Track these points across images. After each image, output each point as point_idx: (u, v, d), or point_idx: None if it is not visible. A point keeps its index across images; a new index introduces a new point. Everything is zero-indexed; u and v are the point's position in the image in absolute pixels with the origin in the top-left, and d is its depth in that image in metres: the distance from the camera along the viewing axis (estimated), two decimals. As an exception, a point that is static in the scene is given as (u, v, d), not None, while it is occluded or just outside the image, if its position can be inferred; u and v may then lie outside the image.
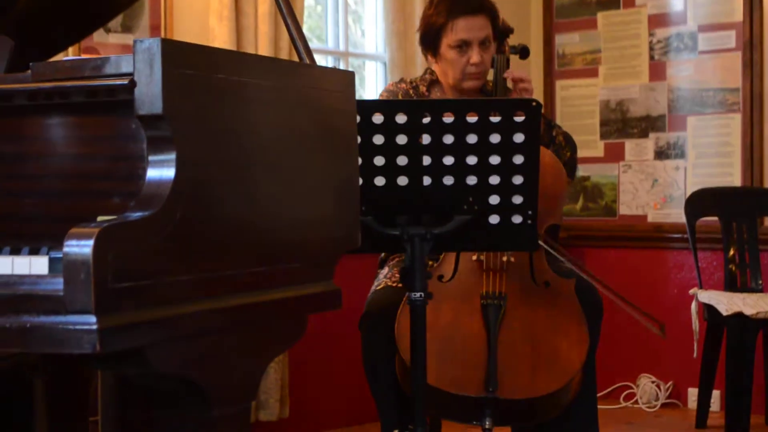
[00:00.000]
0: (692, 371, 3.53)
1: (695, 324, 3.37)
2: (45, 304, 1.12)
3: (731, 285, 3.49)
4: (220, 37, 3.03)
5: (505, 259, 2.22)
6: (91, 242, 1.09)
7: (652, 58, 3.96)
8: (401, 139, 1.85)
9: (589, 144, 4.06)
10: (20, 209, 1.32)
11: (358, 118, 1.70)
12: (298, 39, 1.65)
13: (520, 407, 2.09)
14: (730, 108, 3.79)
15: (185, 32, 3.03)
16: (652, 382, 3.84)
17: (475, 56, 2.39)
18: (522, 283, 2.20)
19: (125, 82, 1.20)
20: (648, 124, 3.98)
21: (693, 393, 3.67)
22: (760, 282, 3.50)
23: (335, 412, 3.44)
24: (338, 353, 3.33)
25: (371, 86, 3.81)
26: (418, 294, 1.83)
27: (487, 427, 2.05)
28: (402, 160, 1.86)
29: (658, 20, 3.94)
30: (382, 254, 2.49)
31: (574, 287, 2.23)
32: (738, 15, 3.76)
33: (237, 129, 1.30)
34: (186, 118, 1.21)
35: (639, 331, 3.91)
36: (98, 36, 2.81)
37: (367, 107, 1.83)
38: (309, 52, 1.65)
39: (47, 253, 1.18)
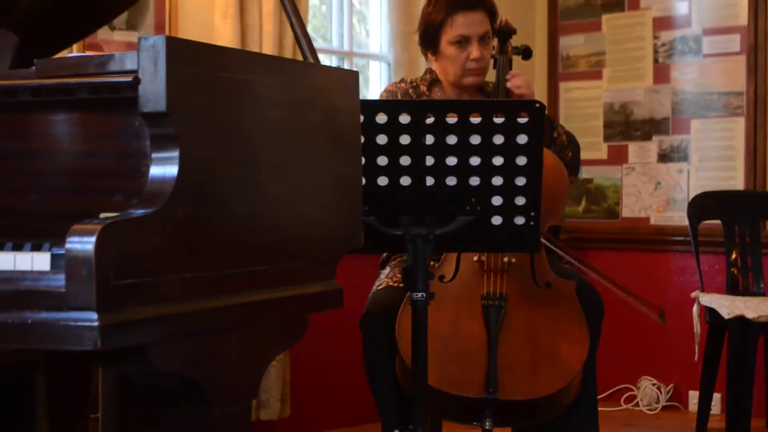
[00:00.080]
0: (693, 374, 3.53)
1: (696, 327, 3.37)
2: (47, 300, 1.12)
3: (733, 288, 3.49)
4: (225, 36, 3.03)
5: (506, 259, 2.22)
6: (93, 239, 1.09)
7: (656, 60, 3.96)
8: (404, 140, 1.84)
9: (593, 146, 4.05)
10: (23, 205, 1.32)
11: (362, 118, 1.70)
12: (302, 38, 1.65)
13: (520, 408, 2.09)
14: (733, 112, 3.78)
15: (190, 30, 3.03)
16: (653, 384, 3.83)
17: (474, 51, 2.40)
18: (523, 284, 2.20)
19: (129, 79, 1.19)
20: (651, 127, 3.98)
21: (694, 396, 3.66)
22: (762, 286, 3.50)
23: (336, 412, 3.44)
24: (339, 353, 3.33)
25: (375, 86, 3.81)
26: (419, 294, 1.83)
27: (487, 427, 2.04)
28: (405, 160, 1.85)
29: (663, 23, 3.93)
30: (384, 254, 2.49)
31: (575, 288, 2.22)
32: (743, 19, 3.76)
33: (241, 127, 1.30)
34: (190, 116, 1.21)
35: (640, 333, 3.91)
36: (103, 33, 2.81)
37: (371, 107, 1.83)
38: (313, 52, 1.65)
39: (50, 250, 1.18)
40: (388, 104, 1.89)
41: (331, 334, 3.17)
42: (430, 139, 1.84)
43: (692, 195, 3.73)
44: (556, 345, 2.14)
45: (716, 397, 3.53)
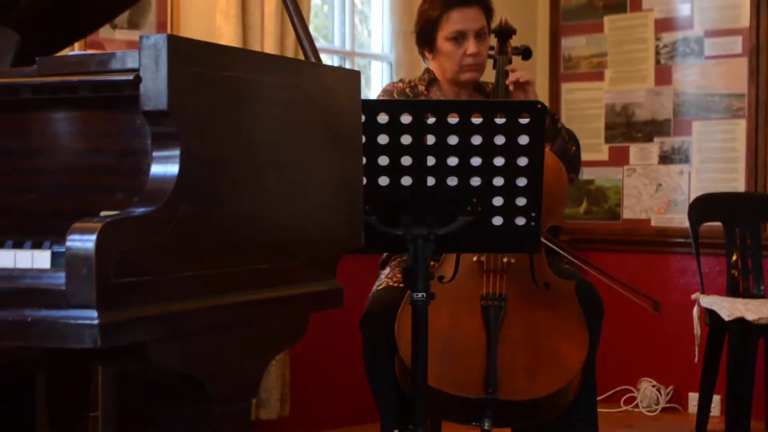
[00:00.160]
0: (693, 376, 3.53)
1: (697, 329, 3.36)
2: (47, 298, 1.12)
3: (733, 290, 3.48)
4: (227, 36, 3.03)
5: (505, 260, 2.22)
6: (93, 237, 1.09)
7: (658, 62, 3.95)
8: (406, 140, 1.84)
9: (594, 147, 4.05)
10: (24, 203, 1.32)
11: (363, 118, 1.70)
12: (304, 38, 1.65)
13: (519, 408, 2.09)
14: (735, 113, 3.78)
15: (192, 30, 3.03)
16: (653, 386, 3.83)
17: (471, 47, 2.40)
18: (522, 285, 2.20)
19: (131, 77, 1.19)
20: (653, 129, 3.98)
21: (693, 397, 3.66)
22: (762, 288, 3.49)
23: (335, 412, 3.44)
24: (339, 353, 3.33)
25: (377, 86, 3.81)
26: (420, 294, 1.83)
27: (486, 428, 2.04)
28: (406, 160, 1.85)
29: (665, 25, 3.93)
30: (384, 254, 2.49)
31: (574, 289, 2.22)
32: (744, 21, 3.75)
33: (242, 126, 1.30)
34: (191, 115, 1.21)
35: (640, 335, 3.91)
36: (104, 32, 2.81)
37: (372, 107, 1.83)
38: (315, 51, 1.64)
39: (50, 248, 1.18)
40: (390, 104, 1.89)
41: (331, 334, 3.17)
42: (431, 139, 1.84)
43: (693, 197, 3.73)
44: (556, 345, 2.14)
45: (716, 398, 3.53)
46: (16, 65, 1.45)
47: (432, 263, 2.22)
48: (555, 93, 4.19)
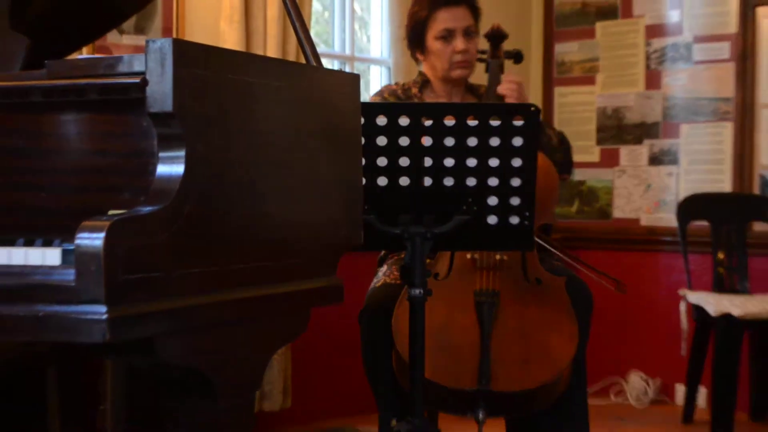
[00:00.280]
0: (680, 369, 3.53)
1: (684, 323, 3.37)
2: (57, 294, 1.12)
3: (719, 287, 3.49)
4: (230, 40, 3.03)
5: (498, 257, 2.22)
6: (102, 235, 1.09)
7: (648, 67, 3.95)
8: (403, 141, 1.84)
9: (586, 149, 4.05)
10: (34, 202, 1.32)
11: (363, 120, 1.70)
12: (305, 42, 1.65)
13: (512, 399, 2.09)
14: (722, 117, 3.78)
15: (196, 35, 3.02)
16: (642, 378, 3.83)
17: (460, 44, 2.41)
18: (514, 281, 2.20)
19: (137, 80, 1.19)
20: (643, 131, 3.98)
21: (680, 389, 3.67)
22: (747, 284, 3.50)
23: (335, 403, 3.44)
24: (339, 347, 3.33)
25: (376, 90, 3.80)
26: (417, 290, 1.83)
27: (480, 418, 2.04)
28: (404, 161, 1.85)
29: (655, 31, 3.93)
30: (381, 252, 2.49)
31: (564, 284, 2.23)
32: (732, 27, 3.75)
33: (245, 127, 1.30)
34: (196, 116, 1.21)
35: (629, 329, 3.92)
36: (112, 37, 2.81)
37: (371, 109, 1.83)
38: (316, 55, 1.64)
39: (60, 245, 1.18)
40: (388, 107, 1.89)
41: (331, 329, 3.17)
42: (428, 141, 1.84)
43: (681, 197, 3.73)
44: (547, 339, 2.14)
45: (702, 391, 3.53)
46: (27, 68, 1.45)
47: (427, 260, 2.23)
48: (548, 97, 4.19)
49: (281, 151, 1.36)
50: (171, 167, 1.19)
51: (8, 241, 1.23)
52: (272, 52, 3.10)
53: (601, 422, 3.18)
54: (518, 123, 1.83)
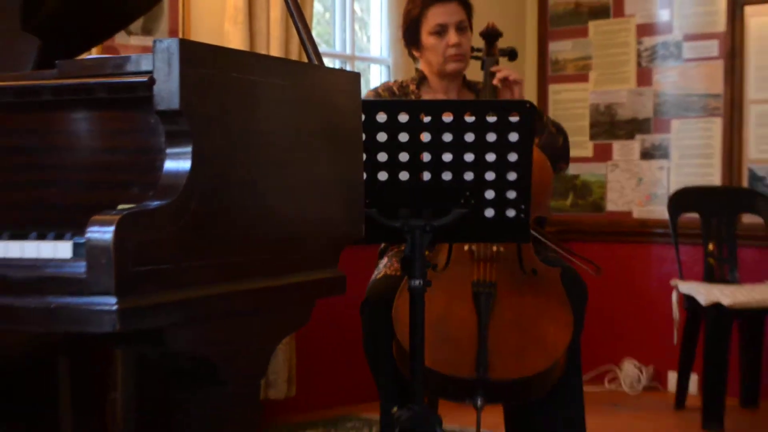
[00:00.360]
0: (672, 356, 3.54)
1: (675, 312, 3.37)
2: (68, 286, 1.12)
3: (710, 277, 3.49)
4: (234, 41, 3.03)
5: (495, 249, 2.22)
6: (112, 228, 1.09)
7: (639, 64, 3.95)
8: (403, 137, 1.84)
9: (580, 144, 4.05)
10: (46, 198, 1.32)
11: (363, 117, 1.69)
12: (307, 42, 1.65)
13: (509, 387, 2.09)
14: (711, 113, 3.78)
15: (201, 35, 3.02)
16: (635, 366, 3.84)
17: (452, 38, 2.41)
18: (511, 272, 2.20)
19: (145, 79, 1.19)
20: (635, 127, 3.98)
21: (672, 376, 3.67)
22: (737, 274, 3.50)
23: (338, 391, 3.44)
24: (341, 337, 3.34)
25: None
26: (417, 281, 1.83)
27: (478, 405, 2.05)
28: (403, 157, 1.85)
29: (646, 29, 3.93)
30: (382, 245, 2.49)
31: (559, 275, 2.23)
32: (721, 26, 3.75)
33: (250, 125, 1.30)
34: (202, 114, 1.21)
35: (623, 318, 3.92)
36: (120, 38, 2.80)
37: (372, 106, 1.83)
38: (318, 55, 1.64)
39: (71, 239, 1.18)
40: (388, 104, 1.89)
41: (333, 320, 3.18)
42: (427, 137, 1.84)
43: (672, 190, 3.73)
44: (543, 328, 2.14)
45: (693, 377, 3.54)
46: (38, 68, 1.45)
47: (426, 252, 2.23)
48: (543, 94, 4.19)
49: (285, 147, 1.36)
50: (178, 163, 1.19)
51: (21, 235, 1.23)
52: (275, 51, 3.10)
53: (595, 408, 3.18)
54: (514, 119, 1.83)
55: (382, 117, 1.83)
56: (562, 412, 2.26)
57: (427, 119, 1.83)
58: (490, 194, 1.87)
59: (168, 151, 1.20)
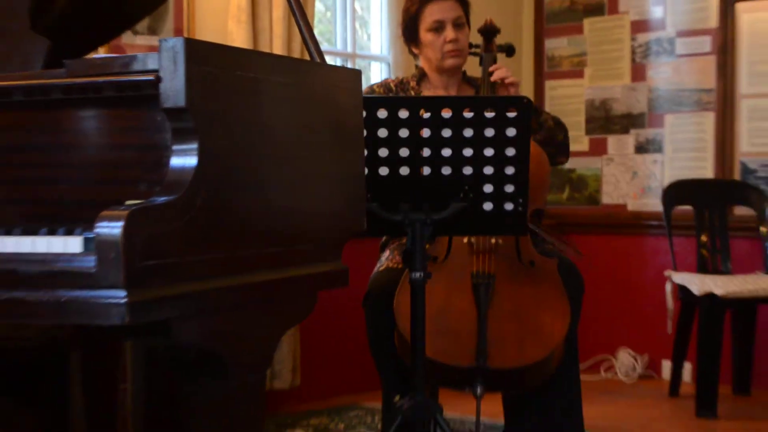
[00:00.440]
0: (666, 345, 3.54)
1: (669, 302, 3.37)
2: (78, 279, 1.12)
3: (703, 267, 3.49)
4: (238, 39, 3.02)
5: (493, 241, 2.22)
6: (121, 224, 1.10)
7: (633, 60, 3.94)
8: (403, 133, 1.84)
9: (575, 139, 4.04)
10: (56, 194, 1.32)
11: (364, 113, 1.69)
12: (309, 40, 1.64)
13: (508, 376, 2.10)
14: (704, 107, 3.78)
15: (206, 35, 3.02)
16: (630, 355, 3.84)
17: (450, 34, 2.41)
18: (509, 263, 2.20)
19: (151, 77, 1.19)
20: (629, 122, 3.97)
21: (667, 365, 3.67)
22: (729, 265, 3.50)
23: (342, 381, 3.45)
24: (345, 328, 3.34)
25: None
26: (418, 273, 1.84)
27: (478, 394, 2.05)
28: (404, 152, 1.85)
29: (640, 26, 3.92)
30: (383, 238, 2.49)
31: (556, 266, 2.23)
32: (713, 22, 3.74)
33: (254, 121, 1.29)
34: (207, 111, 1.21)
35: (618, 308, 3.92)
36: (126, 37, 2.80)
37: (373, 103, 1.83)
38: (320, 52, 1.64)
39: (81, 234, 1.18)
40: (389, 100, 1.89)
41: (337, 311, 3.18)
42: (426, 133, 1.84)
43: (666, 183, 3.73)
44: (540, 318, 2.14)
45: (687, 366, 3.54)
46: (47, 68, 1.45)
47: (427, 245, 2.23)
48: (539, 90, 4.18)
49: (287, 143, 1.36)
50: (184, 159, 1.19)
51: (32, 231, 1.23)
52: (278, 50, 3.09)
53: (592, 396, 3.19)
54: (511, 115, 1.83)
55: (382, 113, 1.82)
56: (559, 400, 2.26)
57: (426, 115, 1.83)
58: (488, 188, 1.87)
59: (174, 147, 1.20)
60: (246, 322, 1.31)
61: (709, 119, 3.77)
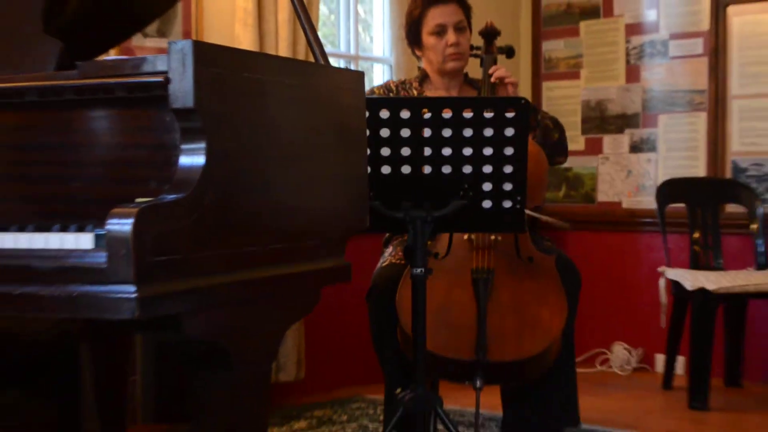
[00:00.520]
0: (660, 339, 3.54)
1: (663, 297, 3.37)
2: (90, 275, 1.12)
3: (695, 264, 3.49)
4: (245, 42, 3.02)
5: (493, 238, 2.22)
6: (131, 221, 1.09)
7: (628, 62, 3.94)
8: (405, 132, 1.84)
9: (572, 139, 4.00)
10: (68, 192, 1.32)
11: (367, 114, 1.69)
12: (314, 42, 1.64)
13: (507, 369, 2.09)
14: (696, 107, 3.77)
15: (213, 37, 3.01)
16: (625, 348, 3.84)
17: (451, 38, 2.40)
18: (508, 259, 2.20)
19: (161, 79, 1.19)
20: (624, 122, 3.96)
21: (660, 358, 3.67)
22: (721, 261, 3.50)
23: (345, 374, 3.45)
24: (348, 322, 3.34)
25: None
26: (419, 269, 1.83)
27: (477, 386, 2.05)
28: (405, 151, 1.85)
29: (634, 29, 3.91)
30: (386, 235, 2.49)
31: (554, 262, 2.22)
32: (705, 24, 3.73)
33: (260, 121, 1.29)
34: (215, 112, 1.21)
35: (613, 303, 3.92)
36: (136, 40, 2.80)
37: (375, 103, 1.83)
38: (324, 54, 1.64)
39: (92, 231, 1.18)
40: (391, 101, 1.88)
41: (340, 306, 3.18)
42: (427, 132, 1.84)
43: (660, 181, 3.72)
44: (538, 313, 2.14)
45: (680, 359, 3.54)
46: (60, 69, 1.45)
47: (428, 242, 2.22)
48: (537, 90, 4.17)
49: (293, 142, 1.36)
50: (192, 158, 1.19)
51: (45, 227, 1.23)
52: (283, 52, 3.09)
53: (588, 389, 3.19)
54: (510, 115, 1.82)
55: (385, 113, 1.82)
56: (556, 392, 2.26)
57: (427, 115, 1.82)
58: (487, 186, 1.87)
59: (183, 147, 1.20)
60: (252, 317, 1.31)
61: (701, 119, 3.76)
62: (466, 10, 2.46)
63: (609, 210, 3.99)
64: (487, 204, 1.88)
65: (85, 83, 1.27)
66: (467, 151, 1.85)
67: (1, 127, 1.35)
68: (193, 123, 1.19)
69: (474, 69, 2.52)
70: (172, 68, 1.18)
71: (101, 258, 1.12)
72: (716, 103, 3.71)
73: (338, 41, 3.70)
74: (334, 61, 3.56)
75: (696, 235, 3.52)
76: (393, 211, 1.85)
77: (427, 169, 1.86)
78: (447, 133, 1.83)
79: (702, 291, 3.15)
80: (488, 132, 1.83)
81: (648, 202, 3.81)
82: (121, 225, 1.09)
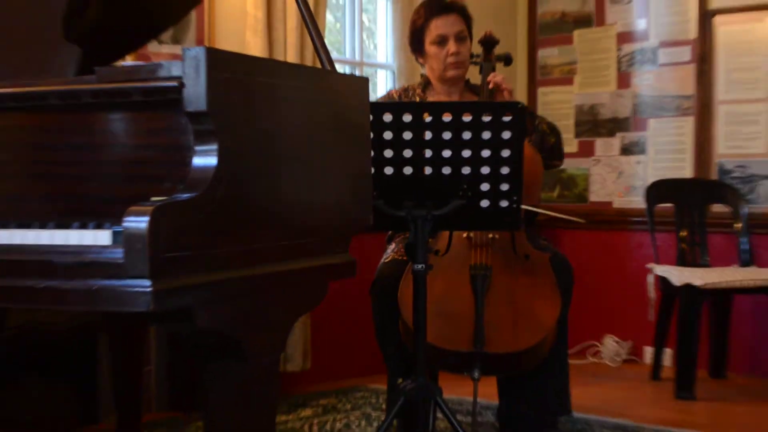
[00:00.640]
0: (648, 332, 3.53)
1: (651, 293, 3.37)
2: (108, 270, 1.13)
3: (683, 261, 3.49)
4: (255, 48, 3.02)
5: (490, 236, 2.22)
6: (147, 218, 1.10)
7: (619, 69, 3.93)
8: (407, 135, 1.84)
9: (565, 142, 3.97)
10: (87, 191, 1.32)
11: (371, 117, 1.69)
12: (321, 49, 1.64)
13: (503, 360, 2.09)
14: (684, 112, 3.77)
15: (225, 44, 3.01)
16: (615, 341, 3.84)
17: (452, 47, 2.40)
18: (505, 256, 2.20)
19: (175, 84, 1.19)
20: (615, 125, 3.96)
21: (648, 351, 3.67)
22: (707, 258, 3.49)
23: (350, 365, 3.45)
24: (352, 315, 3.34)
25: (381, 91, 3.79)
26: (420, 265, 1.83)
27: (475, 377, 2.05)
28: (407, 153, 1.85)
29: (625, 37, 3.91)
30: (390, 232, 2.49)
31: (549, 259, 2.22)
32: (693, 33, 3.73)
33: (269, 124, 1.29)
34: (226, 115, 1.21)
35: (605, 298, 3.92)
36: (152, 47, 2.80)
37: (378, 108, 1.83)
38: (330, 61, 1.63)
39: (110, 228, 1.18)
40: (393, 105, 1.88)
41: (345, 299, 3.18)
42: (428, 135, 1.84)
43: (649, 182, 3.72)
44: (534, 307, 2.14)
45: (668, 351, 3.54)
46: (79, 75, 1.45)
47: (429, 239, 2.22)
48: (532, 96, 4.17)
49: (300, 144, 1.36)
50: (205, 159, 1.19)
51: (65, 225, 1.23)
52: (291, 58, 3.09)
53: (580, 379, 3.19)
54: (507, 119, 1.82)
55: (388, 117, 1.82)
56: (550, 382, 2.26)
57: (428, 119, 1.82)
58: (485, 187, 1.87)
59: (196, 148, 1.20)
60: (261, 310, 1.31)
61: (688, 123, 3.75)
62: (467, 20, 2.46)
63: (600, 209, 3.99)
64: (484, 203, 1.88)
65: (104, 87, 1.27)
66: (466, 153, 1.85)
67: (23, 128, 1.35)
68: (206, 125, 1.19)
69: (475, 76, 2.52)
70: (186, 73, 1.18)
71: (118, 254, 1.12)
72: (703, 108, 3.70)
73: (344, 48, 3.69)
74: (339, 67, 3.56)
75: (683, 233, 3.52)
76: (395, 210, 1.85)
77: (427, 170, 1.86)
78: (447, 135, 1.83)
79: (689, 287, 3.15)
80: (486, 135, 1.83)
81: (638, 202, 3.81)
82: (138, 222, 1.10)
